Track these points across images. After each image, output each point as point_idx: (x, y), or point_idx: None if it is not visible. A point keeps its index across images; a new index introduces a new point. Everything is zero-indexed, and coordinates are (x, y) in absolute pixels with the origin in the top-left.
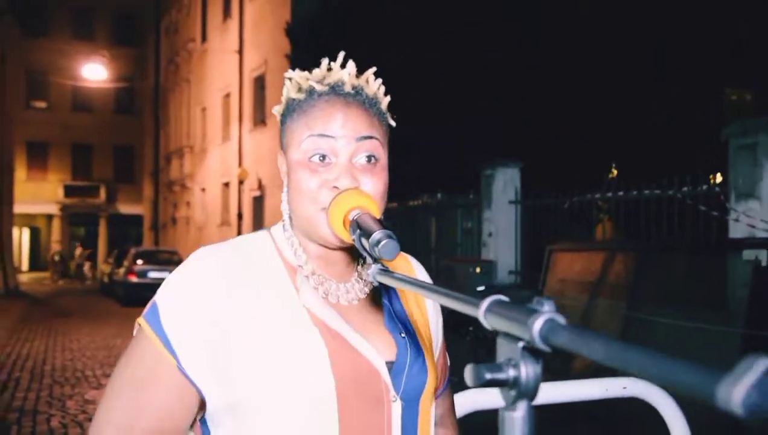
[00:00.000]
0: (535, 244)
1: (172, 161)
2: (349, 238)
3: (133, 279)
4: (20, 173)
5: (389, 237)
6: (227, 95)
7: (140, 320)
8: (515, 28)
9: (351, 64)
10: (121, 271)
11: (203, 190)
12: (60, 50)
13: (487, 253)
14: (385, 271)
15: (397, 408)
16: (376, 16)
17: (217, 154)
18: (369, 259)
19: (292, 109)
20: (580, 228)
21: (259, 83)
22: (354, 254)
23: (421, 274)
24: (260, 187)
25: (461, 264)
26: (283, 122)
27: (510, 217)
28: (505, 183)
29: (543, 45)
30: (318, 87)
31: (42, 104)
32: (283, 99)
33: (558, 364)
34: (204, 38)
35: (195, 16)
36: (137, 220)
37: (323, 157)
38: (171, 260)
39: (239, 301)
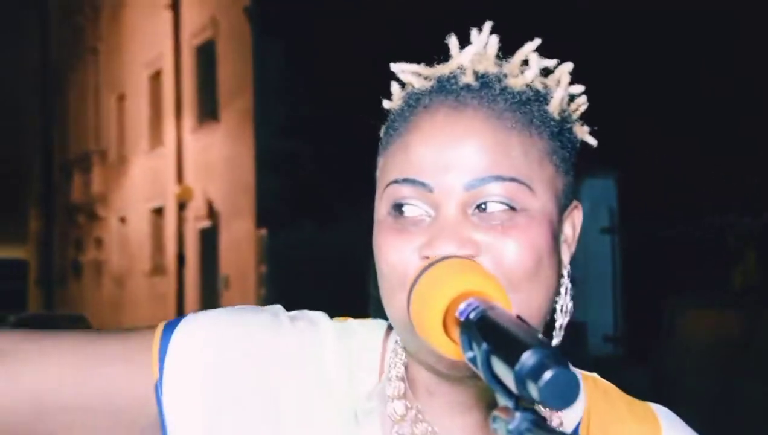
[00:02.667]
0: (643, 295)
1: (74, 176)
2: (456, 353)
3: None
4: None
5: (556, 362)
6: (157, 74)
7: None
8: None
9: (489, 39)
10: None
11: (122, 219)
12: None
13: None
14: (540, 426)
15: None
16: None
17: (144, 165)
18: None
19: (386, 128)
20: (715, 266)
21: (205, 54)
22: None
23: None
24: (211, 214)
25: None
26: (379, 153)
27: (604, 253)
28: (594, 202)
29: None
30: (417, 82)
31: None
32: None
33: None
34: None
35: None
36: (17, 269)
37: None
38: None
39: (283, 391)
